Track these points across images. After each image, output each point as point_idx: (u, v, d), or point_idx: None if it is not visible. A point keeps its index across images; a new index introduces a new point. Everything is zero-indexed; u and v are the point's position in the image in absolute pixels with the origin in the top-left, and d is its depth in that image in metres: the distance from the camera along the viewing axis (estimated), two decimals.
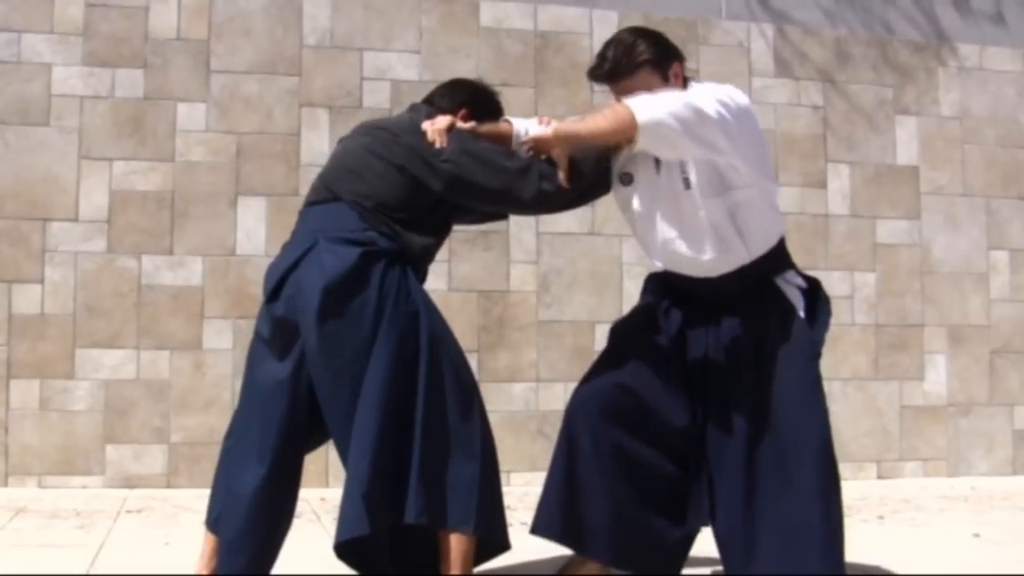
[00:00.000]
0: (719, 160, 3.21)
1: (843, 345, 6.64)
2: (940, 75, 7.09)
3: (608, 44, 3.39)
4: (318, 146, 6.09)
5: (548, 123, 3.30)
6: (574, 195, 3.41)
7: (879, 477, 6.70)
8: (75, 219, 5.85)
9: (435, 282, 6.07)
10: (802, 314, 3.36)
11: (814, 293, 3.44)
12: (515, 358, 6.25)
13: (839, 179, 6.83)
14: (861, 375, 6.75)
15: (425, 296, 3.32)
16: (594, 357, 6.16)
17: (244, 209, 6.04)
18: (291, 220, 5.92)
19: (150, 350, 5.90)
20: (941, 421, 6.87)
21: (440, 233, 3.48)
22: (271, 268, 3.44)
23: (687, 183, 3.26)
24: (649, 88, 3.22)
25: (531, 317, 6.28)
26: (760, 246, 3.35)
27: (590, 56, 6.34)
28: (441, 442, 3.22)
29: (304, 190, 6.02)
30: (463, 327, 6.14)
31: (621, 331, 3.60)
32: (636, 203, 3.40)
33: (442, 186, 3.31)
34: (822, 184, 6.79)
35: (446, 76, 6.11)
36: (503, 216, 3.96)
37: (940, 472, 6.84)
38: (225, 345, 5.93)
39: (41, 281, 5.84)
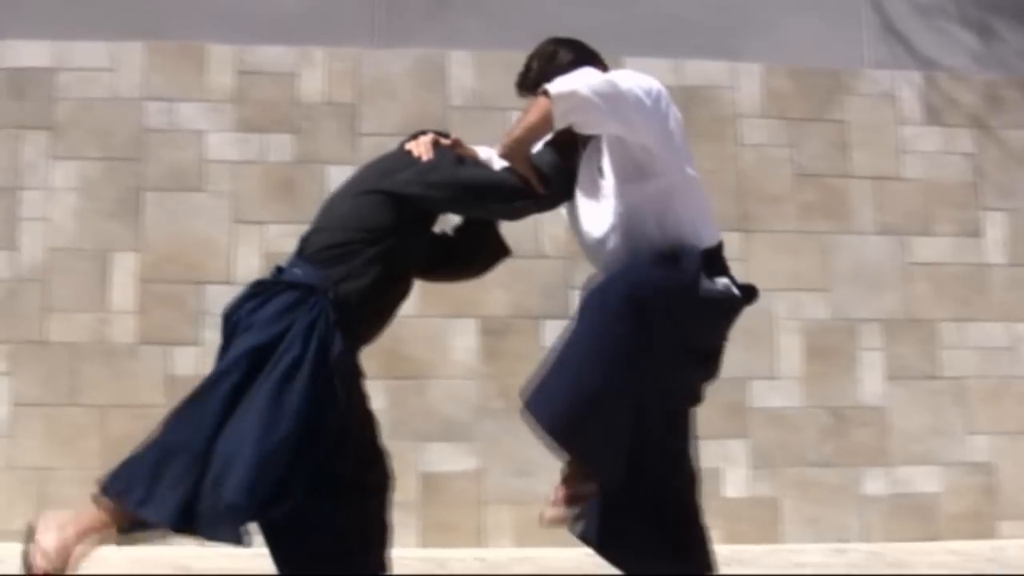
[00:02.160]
0: (632, 142, 3.26)
1: (1006, 399, 6.56)
2: None
3: (531, 56, 3.59)
4: None
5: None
6: (549, 200, 3.51)
7: None
8: (229, 282, 6.09)
9: None
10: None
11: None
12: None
13: (995, 227, 6.77)
14: None
15: (335, 344, 3.35)
16: (747, 414, 6.33)
17: None
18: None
19: None
20: None
21: (398, 276, 3.54)
22: None
23: (600, 172, 3.35)
24: None
25: None
26: (681, 238, 3.32)
27: (735, 110, 6.49)
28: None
29: None
30: None
31: None
32: (571, 210, 3.55)
33: (425, 187, 3.43)
34: (976, 233, 6.73)
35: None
36: (471, 271, 3.96)
37: None
38: (379, 405, 6.05)
39: (197, 343, 6.09)
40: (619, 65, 6.38)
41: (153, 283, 6.13)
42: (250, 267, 6.09)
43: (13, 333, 6.13)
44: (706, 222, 3.40)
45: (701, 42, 6.56)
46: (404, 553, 5.91)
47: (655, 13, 6.60)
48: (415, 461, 6.15)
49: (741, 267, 6.30)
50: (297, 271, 3.46)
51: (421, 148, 3.53)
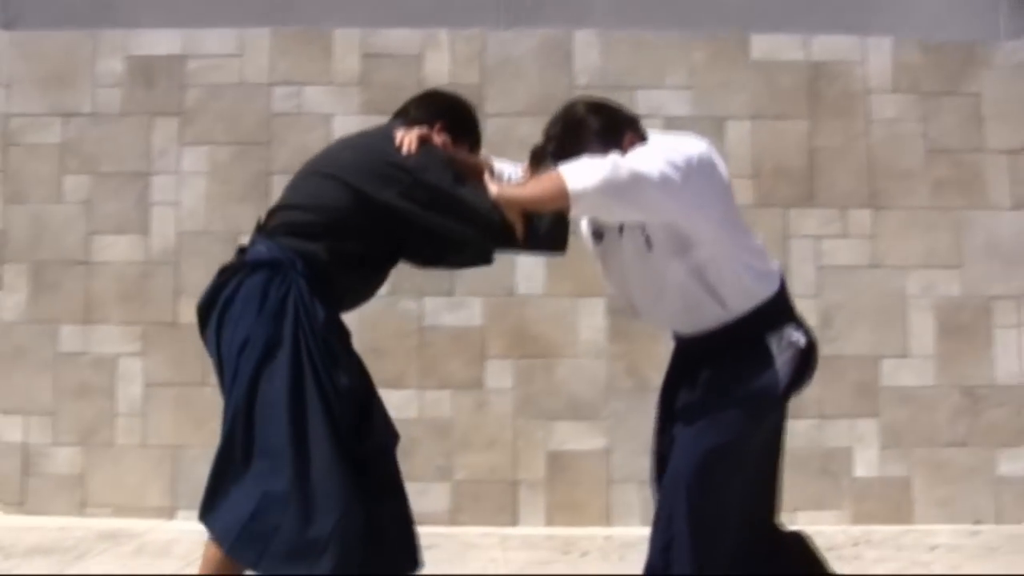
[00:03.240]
0: (670, 221, 3.10)
1: None
2: None
3: (554, 120, 3.30)
4: None
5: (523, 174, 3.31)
6: (523, 245, 3.27)
7: None
8: None
9: None
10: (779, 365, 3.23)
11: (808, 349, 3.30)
12: (798, 395, 6.27)
13: None
14: None
15: (316, 311, 3.28)
16: (878, 394, 6.31)
17: None
18: (569, 259, 6.17)
19: (432, 390, 6.20)
20: None
21: (372, 258, 3.46)
22: None
23: (648, 243, 3.17)
24: None
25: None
26: (740, 303, 3.20)
27: (865, 85, 6.45)
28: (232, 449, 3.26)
29: (582, 229, 6.33)
30: None
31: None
32: (607, 261, 3.36)
33: (398, 190, 3.27)
34: None
35: (718, 111, 6.37)
36: (448, 260, 3.74)
37: None
38: (506, 384, 6.19)
39: None
40: (746, 43, 6.46)
41: None
42: None
43: (145, 315, 6.34)
44: (758, 276, 3.25)
45: (830, 16, 6.51)
46: (531, 531, 6.04)
47: None
48: (543, 440, 6.23)
49: (871, 245, 6.33)
50: (261, 248, 3.37)
51: (407, 139, 3.33)
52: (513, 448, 6.19)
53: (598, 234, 3.34)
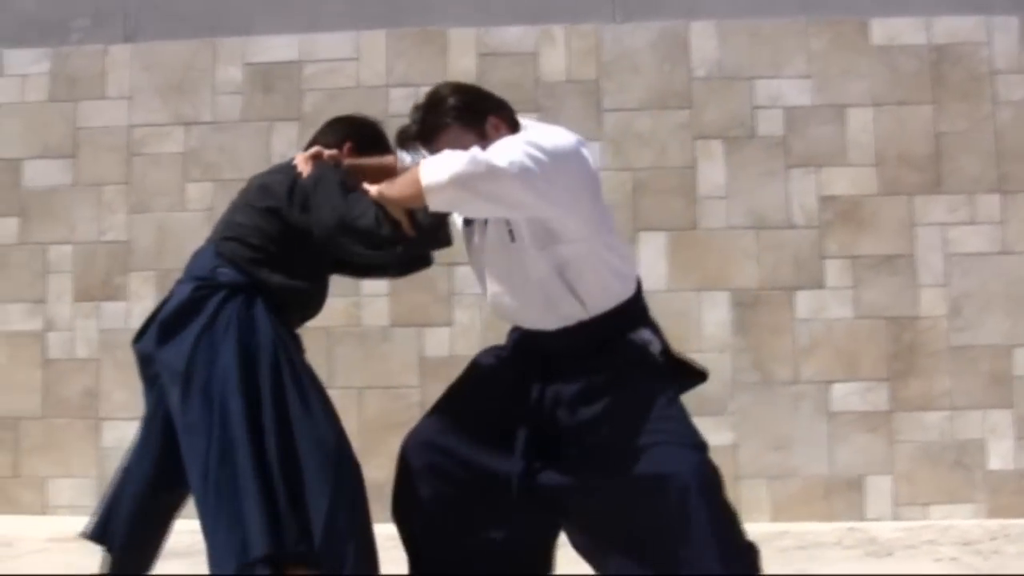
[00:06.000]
0: (531, 216, 3.07)
1: None
2: None
3: (418, 103, 3.29)
4: (714, 178, 6.42)
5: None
6: (415, 245, 3.32)
7: None
8: None
9: (841, 310, 6.30)
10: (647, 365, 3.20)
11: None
12: (927, 386, 6.30)
13: None
14: None
15: (276, 328, 3.40)
16: (1012, 383, 6.33)
17: (644, 244, 6.41)
18: (692, 254, 6.37)
19: None
20: None
21: (311, 277, 3.56)
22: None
23: (512, 236, 3.14)
24: (464, 147, 3.00)
25: (943, 343, 6.30)
26: (599, 303, 3.18)
27: (990, 67, 6.46)
28: (286, 474, 3.30)
29: (703, 223, 6.45)
30: (872, 355, 6.30)
31: (467, 376, 3.45)
32: (472, 252, 3.34)
33: (296, 210, 3.43)
34: None
35: (839, 99, 6.42)
36: (388, 270, 3.90)
37: None
38: None
39: (449, 324, 6.45)
40: (866, 28, 6.52)
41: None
42: None
43: None
44: (619, 276, 3.25)
45: None
46: None
47: None
48: None
49: (999, 230, 6.35)
50: (223, 270, 3.50)
51: (302, 161, 3.51)
52: None
53: (467, 222, 3.32)
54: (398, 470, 3.33)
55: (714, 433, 6.23)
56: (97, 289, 6.76)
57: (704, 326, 6.39)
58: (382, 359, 6.49)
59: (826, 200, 6.40)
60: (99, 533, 3.52)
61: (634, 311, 3.27)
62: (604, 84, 6.53)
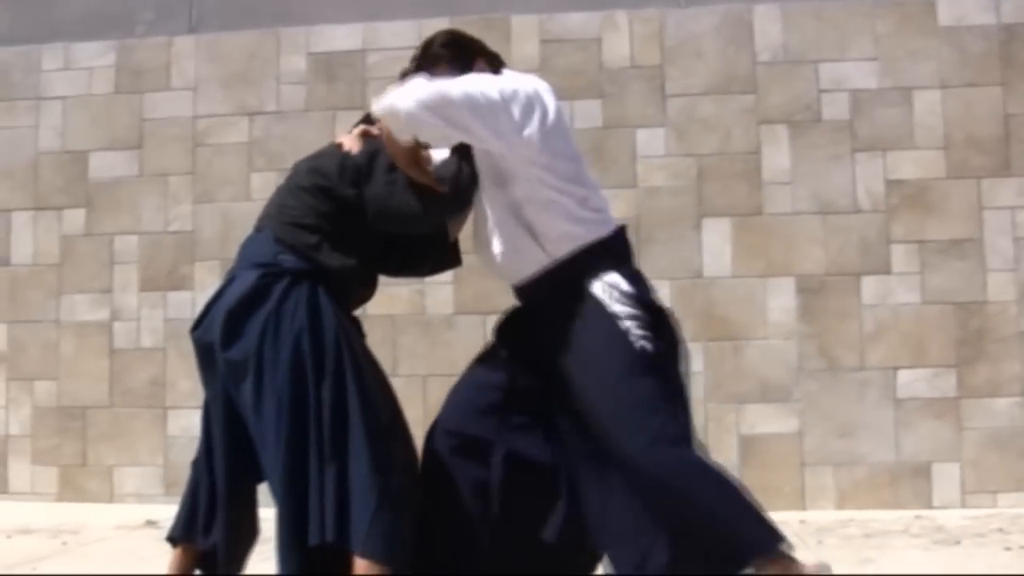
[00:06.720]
0: (490, 149, 3.24)
1: None
2: None
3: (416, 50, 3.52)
4: (780, 163, 6.40)
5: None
6: (452, 201, 3.44)
7: None
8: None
9: (908, 295, 6.27)
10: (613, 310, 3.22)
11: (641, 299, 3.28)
12: (996, 372, 6.25)
13: None
14: None
15: (338, 314, 3.40)
16: None
17: (708, 231, 6.42)
18: (756, 239, 6.37)
19: None
20: None
21: (364, 254, 3.55)
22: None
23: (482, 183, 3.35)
24: None
25: (1012, 328, 6.25)
26: (559, 247, 3.27)
27: None
28: (342, 461, 3.29)
29: (768, 208, 6.45)
30: (940, 341, 6.27)
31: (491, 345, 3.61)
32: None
33: (348, 187, 3.47)
34: None
35: (907, 82, 6.38)
36: (421, 267, 3.93)
37: None
38: (696, 368, 6.34)
39: None
40: (933, 8, 6.46)
41: (467, 254, 6.52)
42: None
43: None
44: (579, 221, 3.31)
45: None
46: None
47: None
48: (734, 423, 6.37)
49: None
50: (285, 257, 3.50)
51: (351, 140, 3.59)
52: (704, 432, 6.35)
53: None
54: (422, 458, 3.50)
55: (779, 420, 6.33)
56: (163, 279, 6.88)
57: (769, 312, 6.39)
58: (446, 347, 6.54)
59: (893, 184, 6.37)
60: (183, 532, 3.57)
61: (601, 253, 3.32)
62: (668, 69, 6.55)
